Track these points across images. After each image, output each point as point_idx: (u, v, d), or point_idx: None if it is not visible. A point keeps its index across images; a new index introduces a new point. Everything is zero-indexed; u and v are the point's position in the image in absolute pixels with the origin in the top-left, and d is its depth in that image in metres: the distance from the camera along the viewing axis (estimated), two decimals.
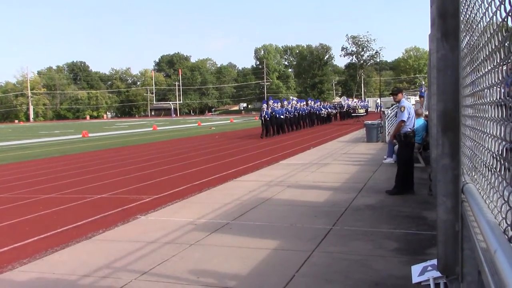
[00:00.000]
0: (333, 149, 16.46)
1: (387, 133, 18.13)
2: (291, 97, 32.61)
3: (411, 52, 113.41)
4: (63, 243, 5.94)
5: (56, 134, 38.85)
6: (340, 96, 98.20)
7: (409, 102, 8.72)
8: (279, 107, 25.95)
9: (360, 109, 42.13)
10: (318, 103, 36.63)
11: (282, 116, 25.73)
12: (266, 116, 24.19)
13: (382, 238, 5.50)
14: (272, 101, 25.73)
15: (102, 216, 7.38)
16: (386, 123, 18.46)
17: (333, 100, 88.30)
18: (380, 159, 12.66)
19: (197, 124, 49.23)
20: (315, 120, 33.61)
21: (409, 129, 7.93)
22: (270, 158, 14.29)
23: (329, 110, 38.62)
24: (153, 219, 7.03)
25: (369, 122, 19.25)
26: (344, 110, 43.55)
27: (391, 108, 24.82)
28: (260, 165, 12.68)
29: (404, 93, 8.46)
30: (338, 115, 42.95)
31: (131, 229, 6.47)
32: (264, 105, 24.90)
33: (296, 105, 29.49)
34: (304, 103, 32.23)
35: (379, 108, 61.98)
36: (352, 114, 41.51)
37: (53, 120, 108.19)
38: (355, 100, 54.64)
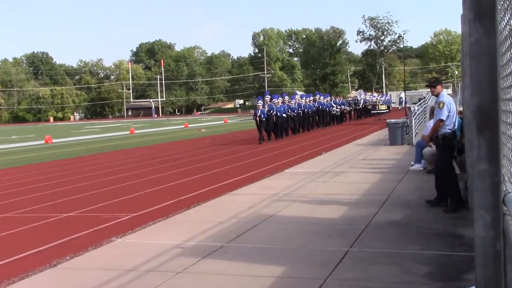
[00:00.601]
0: (349, 154, 16.48)
1: (414, 134, 18.16)
2: (296, 92, 32.18)
3: (441, 36, 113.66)
4: (22, 272, 5.92)
5: (14, 140, 38.86)
6: (357, 90, 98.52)
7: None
8: (280, 104, 25.32)
9: (381, 105, 41.79)
10: (328, 98, 36.16)
11: (284, 115, 25.16)
12: (262, 116, 23.34)
13: (409, 261, 5.50)
14: (268, 97, 25.24)
15: (69, 239, 7.38)
16: (413, 122, 18.49)
17: (348, 95, 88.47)
18: (406, 166, 12.67)
19: (183, 126, 49.28)
20: (324, 119, 33.44)
21: (448, 130, 7.88)
22: (272, 166, 14.30)
23: (342, 106, 38.30)
24: (131, 242, 7.02)
25: (392, 120, 19.27)
26: (361, 106, 43.29)
27: (418, 103, 24.91)
28: (260, 175, 12.69)
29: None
30: (353, 112, 42.82)
31: (105, 255, 6.46)
32: (260, 102, 24.34)
33: (300, 101, 29.02)
34: (311, 98, 31.66)
35: (403, 103, 62.00)
36: (372, 112, 41.33)
37: (10, 123, 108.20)
38: (374, 94, 54.63)
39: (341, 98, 43.08)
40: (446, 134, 7.88)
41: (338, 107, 36.82)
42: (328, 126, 33.43)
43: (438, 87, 8.10)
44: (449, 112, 7.88)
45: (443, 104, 7.86)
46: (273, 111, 24.16)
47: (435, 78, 8.56)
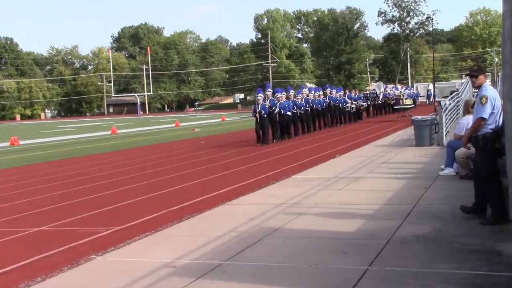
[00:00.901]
0: (368, 156, 16.48)
1: (444, 133, 18.15)
2: (303, 86, 31.77)
3: (478, 17, 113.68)
4: None
5: None
6: (377, 82, 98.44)
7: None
8: (284, 100, 24.89)
9: (405, 99, 41.57)
10: (341, 92, 35.34)
11: (288, 113, 24.89)
12: (263, 112, 23.06)
13: (439, 282, 5.51)
14: (270, 91, 25.13)
15: (40, 257, 7.40)
16: (444, 119, 18.48)
17: (367, 88, 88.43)
18: (435, 170, 12.67)
19: (174, 125, 49.34)
20: (337, 117, 33.22)
21: (490, 130, 7.74)
22: (278, 171, 14.31)
23: (358, 102, 38.05)
24: (113, 260, 7.04)
25: (419, 117, 19.26)
26: (380, 101, 43.12)
27: (450, 97, 24.90)
28: (264, 182, 12.71)
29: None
30: (372, 109, 42.89)
31: (82, 276, 6.48)
32: (260, 95, 24.07)
33: (308, 95, 28.53)
34: (321, 92, 31.23)
35: (431, 97, 61.77)
36: (395, 107, 41.22)
37: None
38: (398, 86, 54.42)
39: (357, 91, 42.28)
40: (487, 134, 7.71)
41: (354, 102, 36.46)
42: (341, 125, 33.29)
43: (481, 77, 7.91)
44: (493, 109, 7.67)
45: (486, 99, 7.66)
46: (276, 107, 23.95)
47: (477, 66, 8.29)
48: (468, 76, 8.17)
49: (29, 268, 6.95)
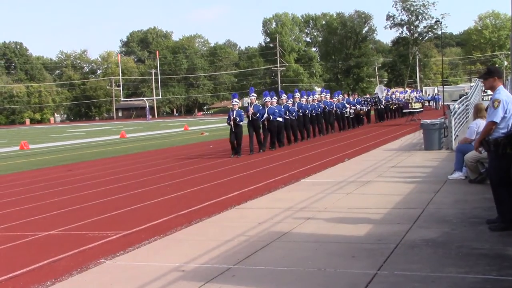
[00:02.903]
0: (377, 160, 16.46)
1: (453, 137, 18.11)
2: (296, 90, 28.72)
3: (488, 20, 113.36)
4: None
5: None
6: (386, 85, 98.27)
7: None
8: (275, 105, 22.91)
9: (414, 102, 41.28)
10: (339, 97, 32.69)
11: (279, 119, 22.76)
12: (238, 120, 20.53)
13: (449, 286, 5.50)
14: (253, 95, 22.58)
15: (50, 261, 7.42)
16: (453, 123, 18.44)
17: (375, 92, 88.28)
18: (444, 174, 12.64)
19: (183, 129, 49.42)
20: (332, 122, 30.72)
21: (502, 134, 7.70)
22: (287, 176, 14.31)
23: (358, 106, 35.85)
24: (122, 264, 7.06)
25: (428, 121, 19.22)
26: (382, 105, 41.09)
27: (459, 100, 24.85)
28: (273, 186, 12.71)
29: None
30: (375, 113, 41.05)
31: (92, 280, 6.50)
32: (235, 101, 21.81)
33: (300, 100, 26.18)
34: (315, 97, 29.00)
35: (436, 101, 61.36)
36: (404, 111, 41.05)
37: None
38: (407, 89, 54.21)
39: (356, 95, 39.73)
40: (499, 139, 7.67)
41: (353, 107, 34.48)
42: (339, 132, 31.01)
43: (491, 80, 7.76)
44: (505, 113, 7.62)
45: (499, 102, 7.58)
46: (261, 113, 21.70)
47: (490, 68, 8.19)
48: (480, 79, 8.09)
49: (39, 272, 6.98)
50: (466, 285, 5.52)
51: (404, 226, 8.02)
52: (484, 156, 10.00)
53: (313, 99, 27.99)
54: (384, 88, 46.89)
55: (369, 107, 39.73)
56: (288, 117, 24.00)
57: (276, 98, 24.23)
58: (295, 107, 25.11)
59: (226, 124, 21.44)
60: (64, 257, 7.60)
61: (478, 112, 12.22)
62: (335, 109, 30.74)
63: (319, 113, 28.22)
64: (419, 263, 6.29)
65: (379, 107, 41.08)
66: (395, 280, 5.75)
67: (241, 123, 20.68)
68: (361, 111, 36.60)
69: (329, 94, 32.28)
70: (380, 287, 5.59)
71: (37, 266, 7.24)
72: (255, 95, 23.40)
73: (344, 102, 32.95)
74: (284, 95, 25.58)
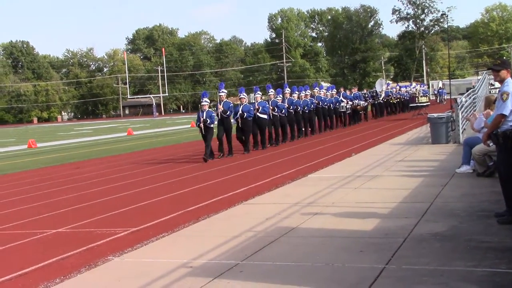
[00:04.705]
0: (384, 155, 16.43)
1: (461, 131, 18.06)
2: (286, 84, 26.23)
3: (494, 13, 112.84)
4: None
5: None
6: (392, 79, 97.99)
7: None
8: (259, 100, 21.40)
9: (421, 96, 40.83)
10: (333, 91, 30.71)
11: (264, 116, 20.99)
12: (208, 121, 18.48)
13: (457, 280, 5.49)
14: (223, 92, 20.14)
15: (58, 259, 7.45)
16: (460, 116, 18.38)
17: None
18: (452, 168, 12.61)
19: (189, 126, 49.42)
20: (327, 119, 28.77)
21: (510, 127, 7.64)
22: (293, 171, 14.30)
23: (355, 101, 33.46)
24: (130, 261, 7.08)
25: (435, 115, 19.17)
26: (382, 100, 39.55)
27: (466, 94, 24.74)
28: (280, 181, 12.71)
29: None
30: (372, 108, 39.34)
31: (100, 277, 6.52)
32: (205, 101, 18.96)
33: (291, 96, 24.38)
34: (307, 92, 26.77)
35: (441, 95, 61.01)
36: (410, 105, 40.77)
37: None
38: (413, 83, 53.87)
39: (354, 90, 36.78)
40: (508, 131, 7.63)
41: (349, 102, 32.15)
42: (333, 130, 29.06)
43: (503, 72, 7.76)
44: None
45: (508, 95, 7.51)
46: (232, 112, 19.78)
47: (500, 60, 8.10)
48: (490, 70, 8.00)
49: (48, 269, 7.01)
50: (475, 278, 5.51)
51: (412, 220, 8.01)
52: (492, 149, 9.97)
53: (306, 95, 26.17)
54: (385, 82, 45.63)
55: (367, 103, 37.57)
56: (276, 114, 22.30)
57: (260, 94, 22.52)
58: (285, 104, 23.30)
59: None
60: (72, 254, 7.62)
61: (489, 104, 12.17)
62: (328, 105, 28.65)
63: (312, 109, 26.36)
64: (427, 257, 6.28)
65: (376, 101, 39.43)
66: (403, 274, 5.75)
67: (211, 125, 18.62)
68: (358, 107, 34.34)
69: (323, 90, 30.02)
70: (388, 281, 5.59)
71: (46, 263, 7.26)
72: (225, 91, 20.47)
73: (339, 97, 30.98)
74: (288, 89, 24.64)
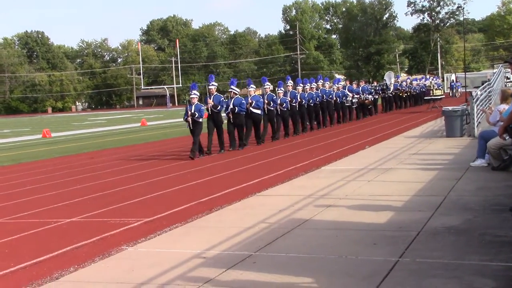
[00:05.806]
0: (398, 148, 16.37)
1: (476, 124, 17.95)
2: (288, 77, 25.02)
3: (511, 5, 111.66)
4: (19, 286, 6.05)
5: (6, 135, 39.55)
6: (407, 72, 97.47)
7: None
8: (252, 94, 20.24)
9: (436, 89, 40.39)
10: (340, 85, 29.35)
11: (257, 111, 19.85)
12: (197, 115, 17.53)
13: (471, 274, 5.47)
14: (212, 85, 19.30)
15: (72, 248, 7.50)
16: (475, 109, 18.27)
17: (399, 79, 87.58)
18: (466, 161, 12.54)
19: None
20: (331, 113, 27.53)
21: None
22: (307, 163, 14.29)
23: (361, 95, 31.70)
24: (144, 251, 7.11)
25: (450, 108, 19.07)
26: (391, 93, 38.06)
27: (482, 87, 24.59)
28: (293, 173, 12.70)
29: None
30: (382, 102, 38.20)
31: (114, 266, 6.56)
32: (194, 93, 18.07)
33: (294, 89, 23.45)
34: (312, 85, 25.35)
35: (455, 88, 60.49)
36: (425, 98, 40.45)
37: (1, 115, 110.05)
38: (428, 76, 53.48)
39: (362, 83, 35.27)
40: None
41: (356, 95, 30.67)
42: (339, 124, 28.12)
43: None
44: None
45: None
46: (223, 106, 18.79)
47: None
48: (507, 63, 7.92)
49: (62, 258, 7.05)
50: (489, 272, 5.48)
51: (426, 214, 7.98)
52: (507, 143, 9.93)
53: (311, 88, 24.97)
54: (394, 75, 44.76)
55: (376, 96, 36.08)
56: (272, 108, 21.18)
57: (254, 87, 21.31)
58: (287, 97, 22.32)
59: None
60: (86, 243, 7.67)
61: (506, 97, 12.10)
62: (335, 98, 27.43)
63: (317, 103, 25.33)
64: (441, 250, 6.26)
65: (386, 95, 38.11)
66: (417, 268, 5.73)
67: (200, 120, 17.66)
68: (366, 101, 32.60)
69: (328, 82, 28.74)
70: (402, 274, 5.57)
71: (60, 252, 7.31)
72: (215, 84, 19.67)
73: (345, 90, 29.38)
74: (268, 83, 22.83)
